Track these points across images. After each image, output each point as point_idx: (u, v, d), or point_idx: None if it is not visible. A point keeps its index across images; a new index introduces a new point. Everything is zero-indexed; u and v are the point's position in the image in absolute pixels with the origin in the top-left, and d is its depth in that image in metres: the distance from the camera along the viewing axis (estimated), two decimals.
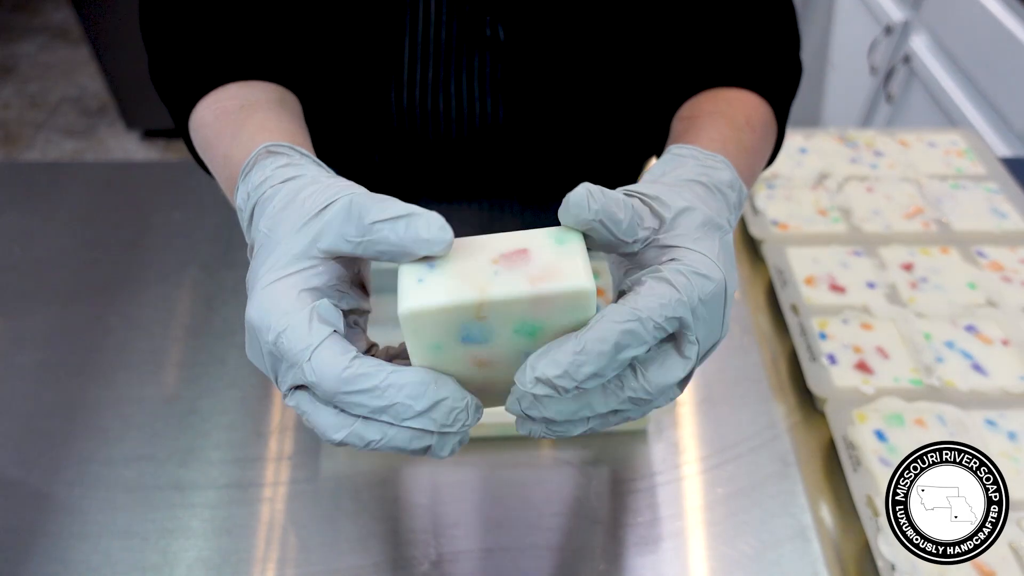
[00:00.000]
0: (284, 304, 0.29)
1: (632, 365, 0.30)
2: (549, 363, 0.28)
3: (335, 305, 0.31)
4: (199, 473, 0.53)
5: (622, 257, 0.33)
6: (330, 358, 0.28)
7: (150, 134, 2.22)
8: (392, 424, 0.29)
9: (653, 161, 0.62)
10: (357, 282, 0.35)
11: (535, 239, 0.30)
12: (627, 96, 0.56)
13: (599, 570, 0.48)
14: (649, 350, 0.29)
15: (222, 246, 0.70)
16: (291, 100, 0.45)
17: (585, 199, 0.29)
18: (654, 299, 0.28)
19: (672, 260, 0.30)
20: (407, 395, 0.28)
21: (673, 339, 0.30)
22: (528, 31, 0.51)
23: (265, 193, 0.33)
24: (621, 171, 0.63)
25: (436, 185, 0.67)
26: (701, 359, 0.31)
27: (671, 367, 0.30)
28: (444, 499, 0.52)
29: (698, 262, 0.30)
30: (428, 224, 0.29)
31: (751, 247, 0.71)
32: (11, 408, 0.57)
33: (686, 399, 0.58)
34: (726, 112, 0.44)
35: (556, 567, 0.49)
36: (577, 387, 0.28)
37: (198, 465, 0.54)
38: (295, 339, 0.29)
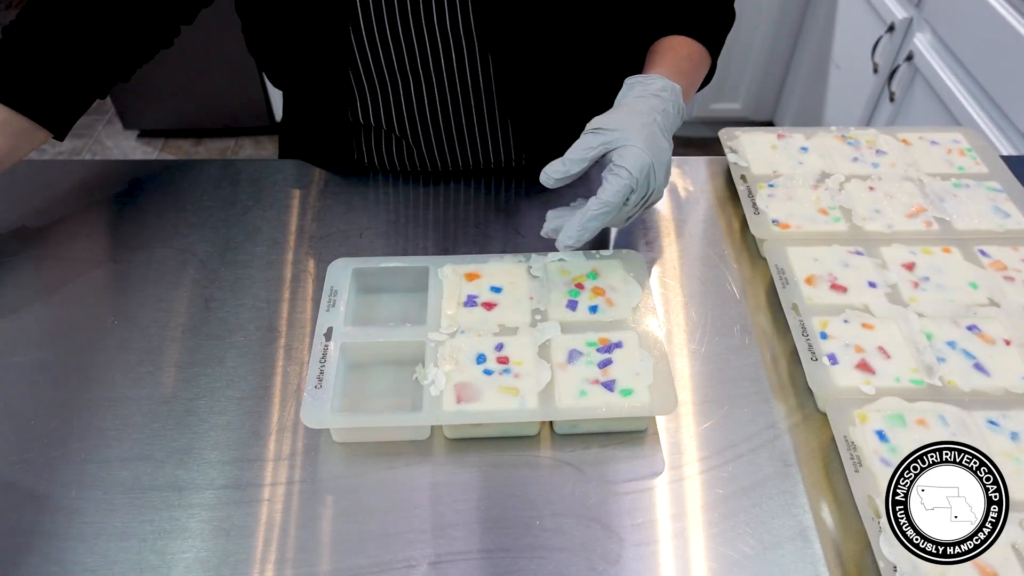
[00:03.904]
0: None
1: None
2: (566, 237, 0.58)
3: None
4: (197, 474, 0.53)
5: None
6: None
7: (147, 133, 2.22)
8: None
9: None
10: None
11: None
12: (595, 37, 0.71)
13: (599, 570, 0.48)
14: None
15: (220, 246, 0.70)
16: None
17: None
18: (611, 189, 0.57)
19: (620, 154, 0.58)
20: None
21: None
22: None
23: None
24: (593, 99, 0.74)
25: (411, 135, 0.75)
26: (644, 199, 0.60)
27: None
28: (443, 499, 0.52)
29: (635, 153, 0.58)
30: None
31: (752, 246, 0.71)
32: (7, 408, 0.57)
33: (686, 399, 0.58)
34: (671, 49, 0.68)
35: (555, 568, 0.48)
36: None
37: (196, 466, 0.54)
38: None
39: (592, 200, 0.58)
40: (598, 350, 0.57)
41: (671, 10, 0.70)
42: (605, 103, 0.67)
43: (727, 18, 0.73)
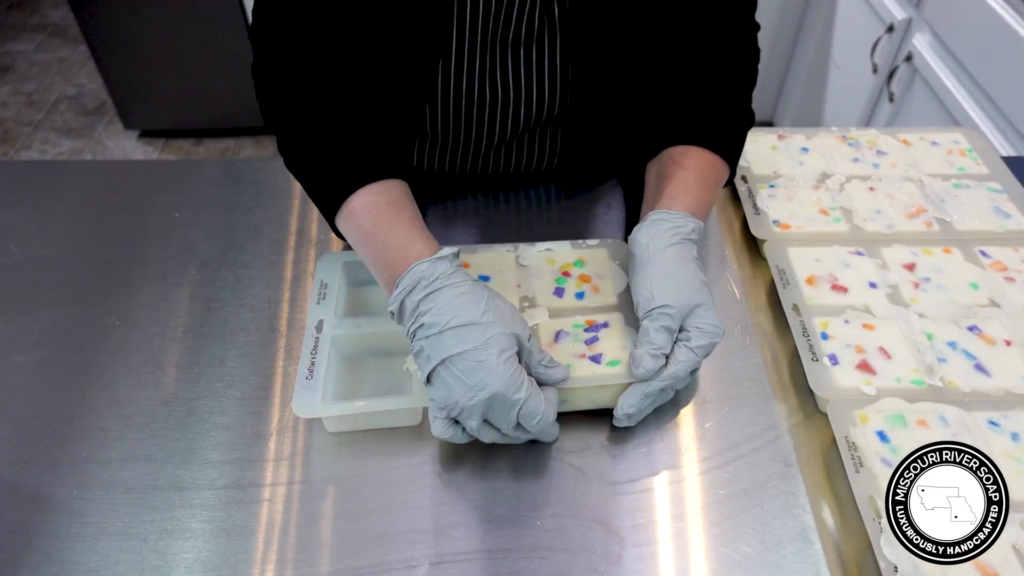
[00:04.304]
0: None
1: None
2: (626, 404, 0.54)
3: None
4: (198, 474, 0.53)
5: None
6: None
7: (148, 134, 2.21)
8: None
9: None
10: None
11: None
12: (653, 88, 0.68)
13: (599, 571, 0.48)
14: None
15: (221, 246, 0.70)
16: (408, 190, 0.59)
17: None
18: (682, 364, 0.54)
19: (690, 333, 0.54)
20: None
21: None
22: (590, 10, 0.61)
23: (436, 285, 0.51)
24: (637, 157, 0.72)
25: (474, 180, 0.75)
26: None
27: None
28: (444, 499, 0.52)
29: (710, 322, 0.54)
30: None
31: (752, 247, 0.71)
32: (9, 408, 0.57)
33: (686, 400, 0.58)
34: (693, 173, 0.63)
35: (556, 568, 0.48)
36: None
37: (197, 466, 0.54)
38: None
39: (665, 371, 0.53)
40: (585, 330, 0.58)
41: (692, 107, 0.66)
42: (643, 130, 0.68)
43: (747, 121, 0.68)
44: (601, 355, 0.56)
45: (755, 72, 0.69)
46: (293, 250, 0.70)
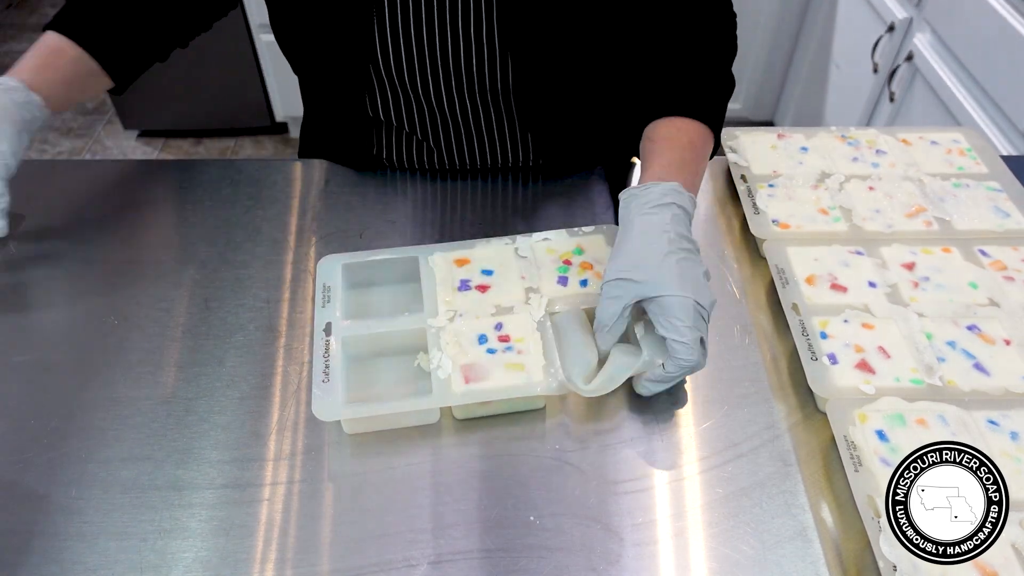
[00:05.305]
0: None
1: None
2: (643, 388, 0.56)
3: None
4: (197, 473, 0.53)
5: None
6: None
7: (147, 134, 2.22)
8: None
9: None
10: None
11: None
12: (610, 43, 0.69)
13: (599, 570, 0.48)
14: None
15: (220, 246, 0.70)
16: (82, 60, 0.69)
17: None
18: (676, 367, 0.53)
19: (662, 310, 0.53)
20: None
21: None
22: None
23: None
24: (607, 106, 0.75)
25: (431, 136, 0.76)
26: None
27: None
28: (444, 499, 0.52)
29: (677, 305, 0.53)
30: None
31: (751, 246, 0.71)
32: (7, 408, 0.57)
33: (686, 399, 0.58)
34: (667, 140, 0.64)
35: (556, 567, 0.48)
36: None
37: (196, 465, 0.54)
38: None
39: (669, 364, 0.54)
40: None
41: (666, 81, 0.66)
42: (616, 111, 0.69)
43: (727, 87, 0.68)
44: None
45: (733, 38, 0.69)
46: (292, 250, 0.70)
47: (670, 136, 0.63)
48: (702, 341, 0.53)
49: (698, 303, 0.52)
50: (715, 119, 0.66)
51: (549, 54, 0.67)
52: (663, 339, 0.53)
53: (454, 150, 0.77)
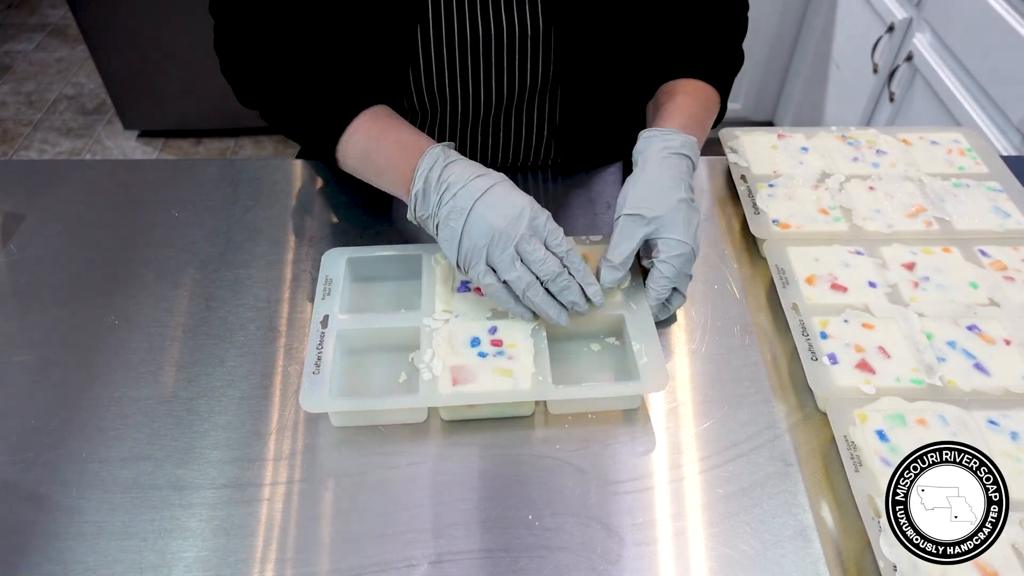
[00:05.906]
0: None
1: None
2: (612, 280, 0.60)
3: None
4: (197, 473, 0.53)
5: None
6: None
7: (147, 134, 2.21)
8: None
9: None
10: None
11: None
12: (634, 70, 0.74)
13: (599, 570, 0.48)
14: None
15: (220, 246, 0.70)
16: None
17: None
18: (662, 284, 0.60)
19: (665, 249, 0.59)
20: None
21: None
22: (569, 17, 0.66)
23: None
24: (621, 127, 0.79)
25: (459, 138, 0.78)
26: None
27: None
28: (443, 499, 0.52)
29: (677, 248, 0.59)
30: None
31: (752, 246, 0.71)
32: (8, 408, 0.57)
33: (686, 399, 0.58)
34: (684, 94, 0.68)
35: (556, 567, 0.48)
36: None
37: (196, 465, 0.54)
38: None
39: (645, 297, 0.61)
40: None
41: (683, 50, 0.71)
42: (639, 108, 0.72)
43: (737, 60, 0.74)
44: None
45: (744, 18, 0.74)
46: (292, 249, 0.70)
47: (689, 92, 0.68)
48: (676, 290, 0.60)
49: (694, 251, 0.60)
50: (726, 86, 0.72)
51: (593, 32, 0.68)
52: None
53: (477, 151, 0.78)
